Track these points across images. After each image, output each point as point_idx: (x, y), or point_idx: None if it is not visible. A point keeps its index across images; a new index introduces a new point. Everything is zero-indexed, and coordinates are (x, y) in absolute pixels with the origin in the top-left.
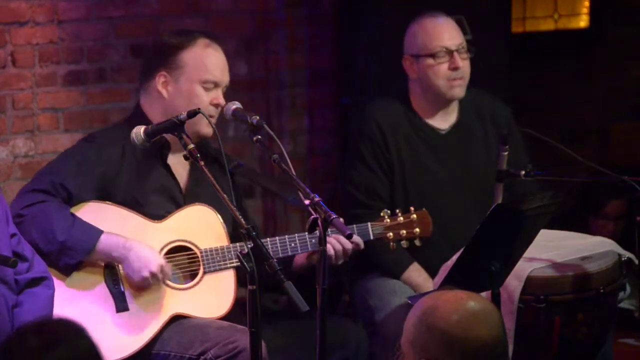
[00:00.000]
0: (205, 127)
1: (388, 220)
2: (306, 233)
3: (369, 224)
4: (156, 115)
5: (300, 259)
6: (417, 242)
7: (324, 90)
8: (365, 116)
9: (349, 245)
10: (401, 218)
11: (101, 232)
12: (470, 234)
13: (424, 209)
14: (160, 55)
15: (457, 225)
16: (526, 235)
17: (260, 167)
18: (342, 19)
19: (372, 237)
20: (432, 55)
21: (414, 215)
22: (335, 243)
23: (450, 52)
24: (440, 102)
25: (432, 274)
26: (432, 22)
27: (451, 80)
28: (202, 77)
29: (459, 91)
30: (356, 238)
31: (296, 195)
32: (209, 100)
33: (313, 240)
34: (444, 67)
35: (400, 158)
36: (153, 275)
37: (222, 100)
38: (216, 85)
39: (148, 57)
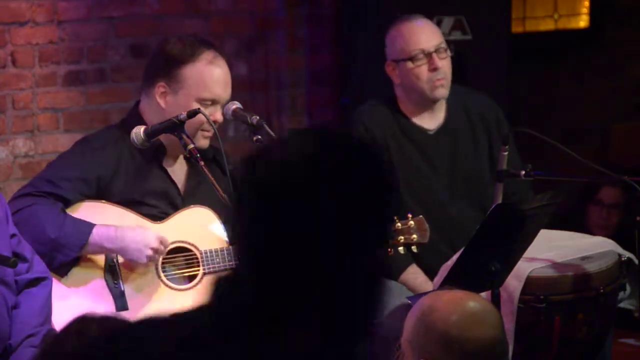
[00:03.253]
0: (201, 140)
1: None
2: None
3: None
4: (153, 121)
5: None
6: (414, 249)
7: (324, 90)
8: (353, 119)
9: None
10: (399, 224)
11: (93, 225)
12: (463, 233)
13: (421, 216)
14: (162, 65)
15: (449, 224)
16: (526, 235)
17: None
18: (342, 19)
19: None
20: (411, 59)
21: (412, 222)
22: None
23: (428, 54)
24: (426, 103)
25: (427, 273)
26: (408, 26)
27: (433, 82)
28: (200, 95)
29: (442, 91)
30: None
31: None
32: (202, 117)
33: None
34: (423, 70)
35: (388, 158)
36: (156, 251)
37: (219, 117)
38: (214, 102)
39: (151, 62)
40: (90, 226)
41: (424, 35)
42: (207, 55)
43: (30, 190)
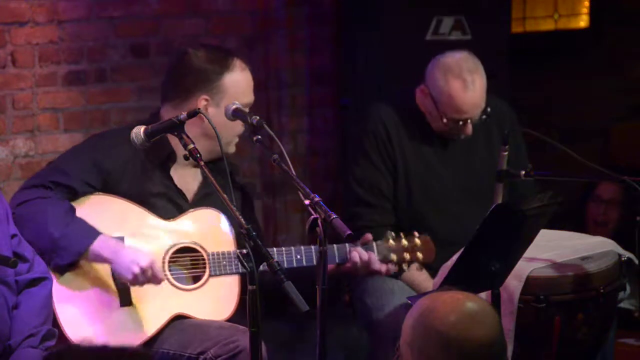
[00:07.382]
0: (233, 146)
1: (392, 242)
2: (312, 247)
3: (374, 243)
4: (190, 134)
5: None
6: (419, 268)
7: (324, 90)
8: (370, 114)
9: (366, 257)
10: (405, 242)
11: (98, 234)
12: (472, 234)
13: (427, 235)
14: (200, 79)
15: (460, 224)
16: (526, 235)
17: (260, 167)
18: (342, 19)
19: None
20: (445, 117)
21: (417, 240)
22: (364, 255)
23: (465, 120)
24: None
25: (433, 272)
26: (457, 87)
27: (452, 133)
28: (242, 101)
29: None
30: (371, 256)
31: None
32: (242, 124)
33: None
34: (449, 124)
35: (404, 156)
36: (143, 270)
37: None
38: (248, 106)
39: (184, 77)
40: (94, 234)
41: (466, 106)
42: (238, 62)
43: (40, 180)
